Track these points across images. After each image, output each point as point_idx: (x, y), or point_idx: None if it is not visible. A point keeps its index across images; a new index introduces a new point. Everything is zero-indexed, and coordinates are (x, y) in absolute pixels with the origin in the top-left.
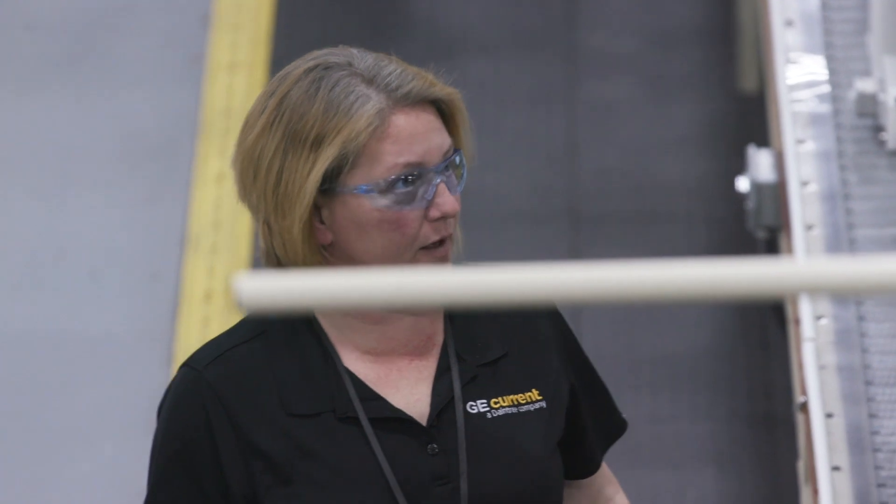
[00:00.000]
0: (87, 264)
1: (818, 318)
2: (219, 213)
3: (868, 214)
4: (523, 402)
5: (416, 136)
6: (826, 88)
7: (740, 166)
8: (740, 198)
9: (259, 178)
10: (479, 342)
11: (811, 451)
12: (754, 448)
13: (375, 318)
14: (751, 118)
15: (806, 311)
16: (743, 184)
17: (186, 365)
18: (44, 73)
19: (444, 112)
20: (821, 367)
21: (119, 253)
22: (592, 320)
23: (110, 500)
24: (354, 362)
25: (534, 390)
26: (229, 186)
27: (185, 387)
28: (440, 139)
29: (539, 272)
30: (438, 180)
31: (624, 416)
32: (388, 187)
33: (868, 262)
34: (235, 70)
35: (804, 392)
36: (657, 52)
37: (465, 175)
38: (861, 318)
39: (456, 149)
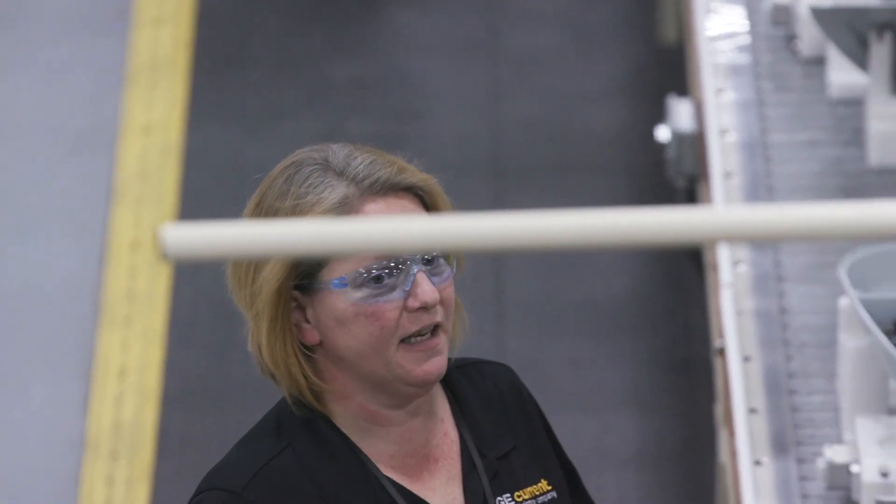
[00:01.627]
0: (13, 216)
1: (736, 264)
2: (145, 163)
3: (782, 120)
4: (538, 493)
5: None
6: (745, 39)
7: (660, 116)
8: (660, 147)
9: (239, 275)
10: (489, 436)
11: (728, 394)
12: (673, 392)
13: (384, 421)
14: (671, 68)
15: (724, 257)
16: (663, 133)
17: (218, 489)
18: None
19: (424, 199)
20: (738, 313)
21: (47, 204)
22: (515, 268)
23: (40, 447)
24: (385, 467)
25: (543, 481)
26: (155, 137)
27: None
28: None
29: (462, 220)
30: (416, 270)
31: (549, 365)
32: (363, 280)
33: (784, 209)
34: (161, 23)
35: (722, 336)
36: (579, 4)
37: (454, 265)
38: (778, 265)
39: None
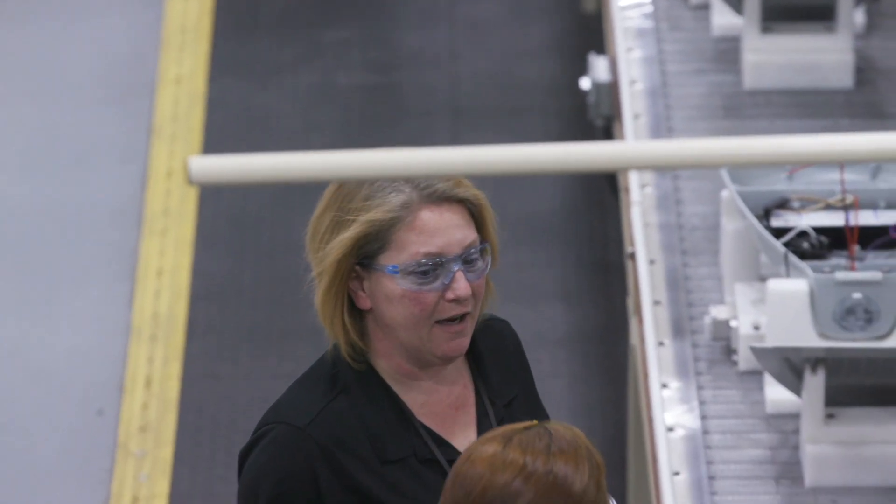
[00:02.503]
0: (73, 151)
1: (643, 186)
2: (177, 108)
3: (676, 54)
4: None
5: (438, 230)
6: (649, 8)
7: (583, 69)
8: (583, 94)
9: (314, 243)
10: (497, 386)
11: (637, 290)
12: (594, 288)
13: (418, 377)
14: (591, 32)
15: (633, 181)
16: (585, 83)
17: (285, 423)
18: (31, 2)
19: (472, 211)
20: (645, 225)
21: (99, 141)
22: None
23: (95, 332)
24: (419, 414)
25: (535, 422)
26: (185, 87)
27: (290, 443)
28: (462, 234)
29: (427, 153)
30: (456, 268)
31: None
32: (410, 271)
33: (681, 143)
34: None
35: (632, 244)
36: None
37: (489, 262)
38: (677, 190)
39: (483, 241)
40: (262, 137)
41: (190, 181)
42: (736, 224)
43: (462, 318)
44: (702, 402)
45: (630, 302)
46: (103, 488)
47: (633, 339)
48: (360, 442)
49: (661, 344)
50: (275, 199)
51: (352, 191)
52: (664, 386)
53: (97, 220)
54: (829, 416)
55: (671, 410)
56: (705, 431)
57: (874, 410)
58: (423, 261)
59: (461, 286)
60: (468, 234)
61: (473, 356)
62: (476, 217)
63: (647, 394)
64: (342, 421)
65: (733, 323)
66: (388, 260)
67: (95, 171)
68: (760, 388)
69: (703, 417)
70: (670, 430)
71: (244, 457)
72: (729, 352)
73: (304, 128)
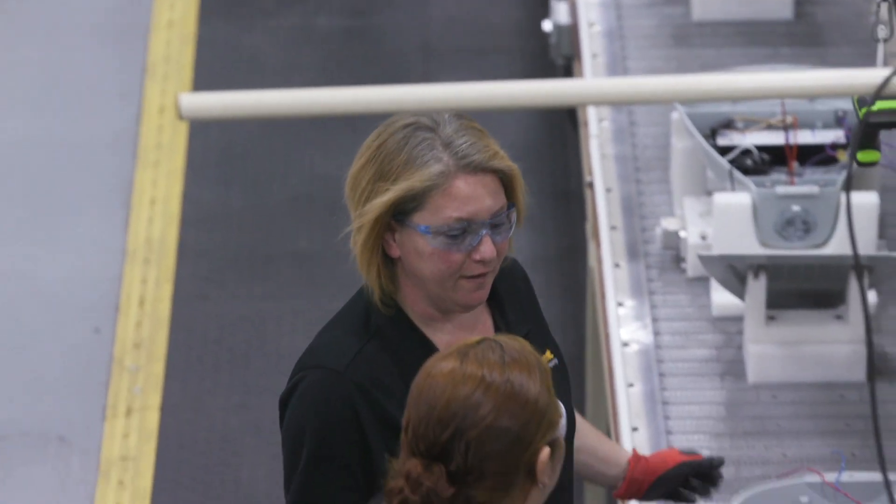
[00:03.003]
0: (72, 89)
1: (601, 120)
2: (169, 49)
3: None
4: (547, 363)
5: (471, 197)
6: None
7: (546, 12)
8: (545, 36)
9: (355, 195)
10: (513, 321)
11: (595, 216)
12: (557, 214)
13: (442, 319)
14: None
15: (592, 116)
16: (547, 25)
17: (323, 367)
18: None
19: (504, 180)
20: (602, 156)
21: (97, 80)
22: None
23: (94, 255)
24: None
25: (548, 352)
26: (176, 30)
27: (330, 385)
28: (492, 201)
29: (400, 90)
30: (484, 233)
31: None
32: (441, 233)
33: (634, 81)
34: None
35: (590, 174)
36: None
37: (514, 225)
38: (633, 123)
39: (510, 205)
40: (247, 76)
41: (180, 116)
42: (685, 143)
43: (482, 273)
44: (653, 307)
45: (588, 227)
46: (100, 400)
47: (592, 261)
48: (395, 380)
49: (616, 266)
50: (259, 133)
51: (392, 151)
52: (620, 304)
53: (95, 152)
54: (770, 318)
55: (626, 327)
56: (656, 333)
57: (811, 313)
58: (455, 224)
59: (487, 249)
60: (497, 201)
61: (491, 297)
62: (506, 184)
63: (603, 312)
64: (377, 362)
65: (682, 234)
66: (422, 220)
67: (94, 108)
68: (707, 293)
69: (655, 320)
70: (625, 345)
71: (284, 402)
72: (678, 260)
73: (286, 67)
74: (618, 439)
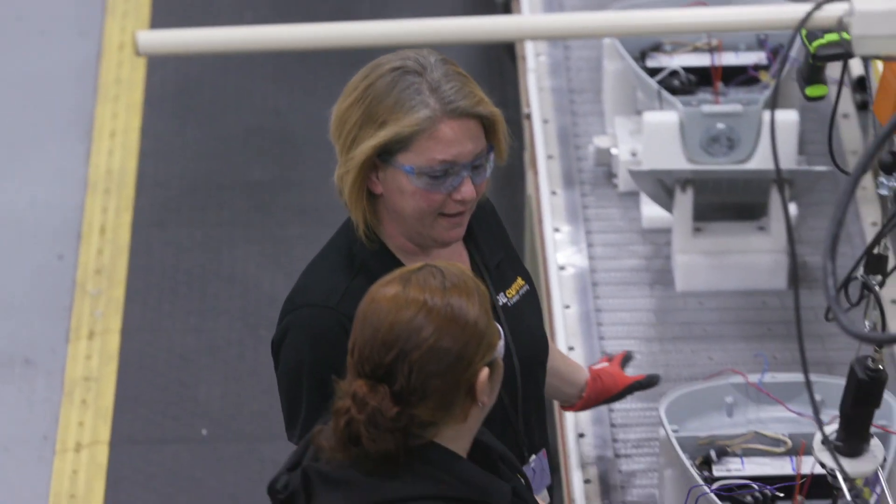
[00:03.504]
0: (33, 26)
1: (538, 55)
2: None
3: None
4: (518, 288)
5: (454, 141)
6: None
7: None
8: None
9: (342, 135)
10: (487, 251)
11: (533, 146)
12: None
13: (421, 252)
14: None
15: (529, 50)
16: None
17: (313, 305)
18: None
19: (486, 124)
20: (539, 89)
21: (57, 17)
22: None
23: (56, 185)
24: None
25: (519, 279)
26: None
27: (324, 321)
28: (474, 145)
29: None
30: (465, 174)
31: None
32: (425, 173)
33: (570, 17)
34: None
35: (528, 106)
36: None
37: (490, 168)
38: (568, 58)
39: (489, 148)
40: (203, 14)
41: (137, 53)
42: (616, 65)
43: (460, 212)
44: (586, 220)
45: (527, 156)
46: (63, 324)
47: (530, 189)
48: None
49: (553, 193)
50: (214, 68)
51: (380, 94)
52: (556, 230)
53: (57, 87)
54: (697, 230)
55: (562, 251)
56: (590, 244)
57: (735, 224)
58: (438, 166)
59: (467, 190)
60: (479, 145)
61: (467, 233)
62: (488, 128)
63: (541, 237)
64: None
65: (613, 151)
66: (406, 160)
67: (56, 45)
68: (637, 206)
69: (588, 232)
70: (562, 268)
71: (278, 344)
72: (610, 176)
73: (240, 5)
74: None
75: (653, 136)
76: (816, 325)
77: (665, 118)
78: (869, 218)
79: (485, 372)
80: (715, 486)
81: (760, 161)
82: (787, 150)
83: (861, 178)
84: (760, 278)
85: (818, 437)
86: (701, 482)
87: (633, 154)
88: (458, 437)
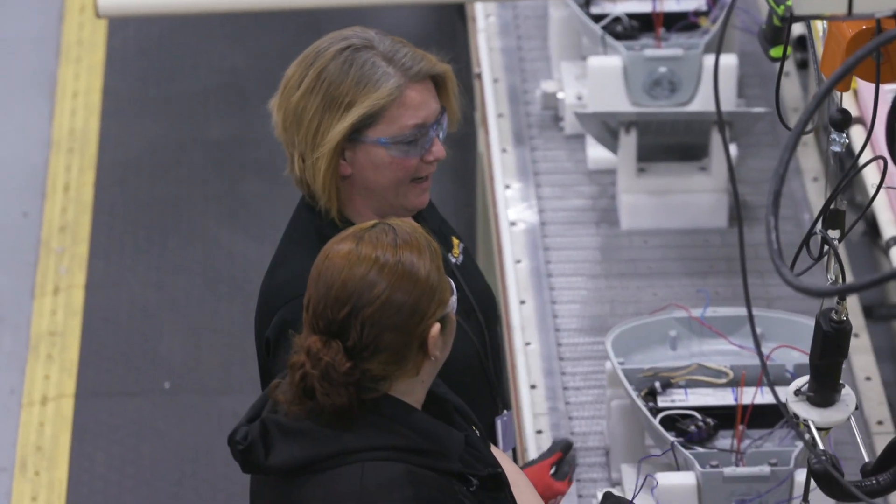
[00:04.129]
0: None
1: (487, 16)
2: None
3: None
4: (459, 245)
5: (422, 103)
6: None
7: None
8: None
9: (302, 127)
10: (429, 217)
11: (484, 105)
12: None
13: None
14: None
15: (479, 11)
16: None
17: (298, 297)
18: None
19: (437, 82)
20: (490, 49)
21: None
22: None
23: (20, 145)
24: None
25: (454, 238)
26: None
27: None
28: (436, 104)
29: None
30: (433, 134)
31: None
32: (399, 141)
33: None
34: None
35: (479, 66)
36: None
37: (445, 128)
38: (516, 17)
39: (443, 109)
40: None
41: (98, 15)
42: (561, 12)
43: (427, 176)
44: (534, 162)
45: (477, 115)
46: (29, 280)
47: (481, 147)
48: None
49: (503, 151)
50: (172, 29)
51: (337, 77)
52: (507, 187)
53: (21, 49)
54: (641, 171)
55: (513, 207)
56: (538, 185)
57: (677, 165)
58: (410, 132)
59: (438, 149)
60: (438, 103)
61: None
62: (439, 87)
63: (492, 194)
64: None
65: (560, 95)
66: (378, 133)
67: (19, 8)
68: (583, 148)
69: (536, 174)
70: (513, 224)
71: (275, 340)
72: (556, 119)
73: None
74: (507, 312)
75: (597, 80)
76: (757, 262)
77: (609, 63)
78: (810, 174)
79: (436, 327)
80: (659, 416)
81: (701, 104)
82: (726, 93)
83: (802, 134)
84: (702, 217)
85: (791, 388)
86: (646, 412)
87: (579, 98)
88: (411, 390)
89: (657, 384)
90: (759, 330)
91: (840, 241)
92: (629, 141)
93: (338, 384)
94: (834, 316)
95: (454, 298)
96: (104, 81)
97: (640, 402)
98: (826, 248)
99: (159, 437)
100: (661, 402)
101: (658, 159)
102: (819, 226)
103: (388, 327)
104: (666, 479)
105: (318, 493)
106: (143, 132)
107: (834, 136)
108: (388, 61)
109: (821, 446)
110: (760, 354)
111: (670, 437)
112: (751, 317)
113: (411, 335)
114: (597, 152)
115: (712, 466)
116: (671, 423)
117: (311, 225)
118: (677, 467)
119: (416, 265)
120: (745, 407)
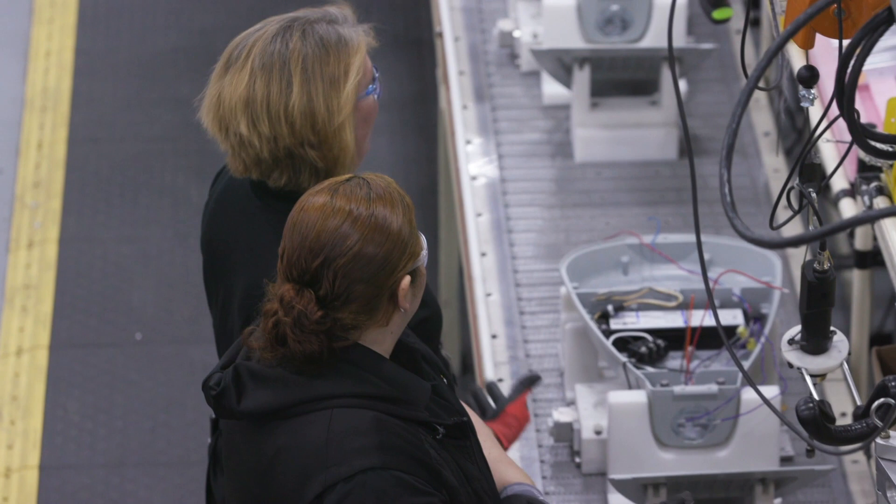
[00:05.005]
0: None
1: None
2: None
3: None
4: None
5: (364, 47)
6: None
7: None
8: None
9: (318, 121)
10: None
11: (445, 62)
12: (410, 61)
13: None
14: None
15: None
16: None
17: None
18: None
19: None
20: (451, 8)
21: None
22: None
23: None
24: None
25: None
26: None
27: None
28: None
29: None
30: (377, 73)
31: None
32: (375, 85)
33: None
34: None
35: (440, 25)
36: None
37: None
38: None
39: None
40: None
41: None
42: None
43: None
44: (491, 97)
45: (439, 73)
46: (3, 234)
47: (442, 103)
48: None
49: (464, 107)
50: None
51: (318, 55)
52: (468, 142)
53: None
54: (594, 105)
55: (474, 162)
56: (495, 120)
57: (629, 99)
58: (375, 72)
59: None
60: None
61: None
62: None
63: (454, 149)
64: None
65: (516, 33)
66: (364, 85)
67: None
68: (538, 84)
69: (493, 109)
70: (474, 178)
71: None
72: (513, 57)
73: None
74: (468, 264)
75: (552, 18)
76: (706, 192)
77: (562, 1)
78: (761, 128)
79: (406, 279)
80: (612, 337)
81: (652, 40)
82: (676, 30)
83: (754, 89)
84: (653, 150)
85: (785, 338)
86: (599, 334)
87: (535, 36)
88: (380, 340)
89: (610, 307)
90: (707, 256)
91: (818, 193)
92: (583, 77)
93: (309, 332)
94: (817, 266)
95: (425, 252)
96: (76, 41)
97: (593, 325)
98: (804, 200)
99: (131, 387)
100: (614, 324)
101: (611, 94)
102: (796, 179)
103: (359, 278)
104: (618, 397)
105: (287, 439)
106: (114, 91)
107: (803, 92)
108: (335, 23)
109: (815, 395)
110: (706, 280)
111: (622, 357)
112: (699, 242)
113: (382, 286)
114: (552, 88)
115: (662, 385)
116: (623, 344)
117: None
118: (629, 386)
119: (388, 219)
120: (693, 329)
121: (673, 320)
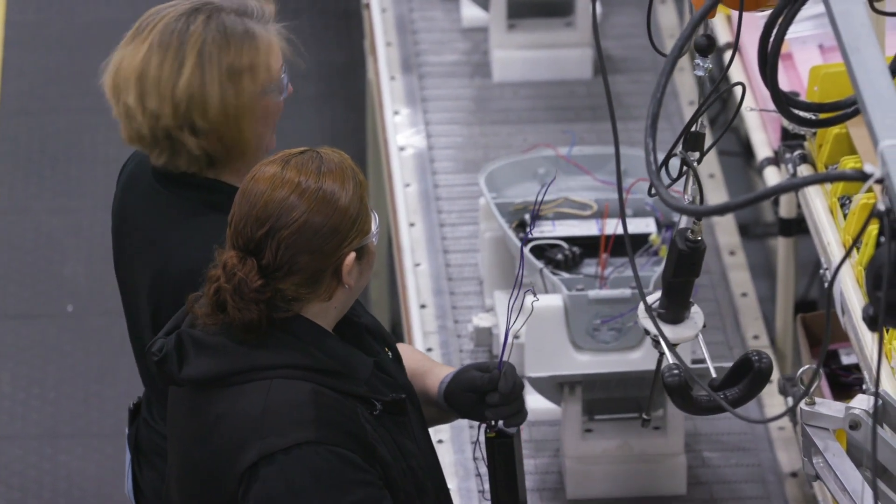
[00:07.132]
0: None
1: None
2: None
3: None
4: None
5: (276, 46)
6: None
7: None
8: None
9: (209, 110)
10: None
11: (372, 33)
12: (338, 32)
13: None
14: None
15: None
16: None
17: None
18: None
19: None
20: None
21: None
22: None
23: None
24: None
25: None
26: None
27: None
28: (278, 43)
29: None
30: (285, 72)
31: None
32: (282, 82)
33: None
34: None
35: None
36: None
37: None
38: None
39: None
40: None
41: None
42: None
43: None
44: (411, 22)
45: (366, 44)
46: None
47: (370, 74)
48: None
49: (392, 78)
50: None
51: (218, 42)
52: (396, 113)
53: None
54: (511, 27)
55: (402, 133)
56: (415, 43)
57: (546, 21)
58: (281, 74)
59: (289, 85)
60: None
61: None
62: None
63: (382, 120)
64: None
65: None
66: (268, 80)
67: None
68: (458, 9)
69: (414, 32)
70: (402, 149)
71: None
72: None
73: None
74: (397, 234)
75: None
76: (619, 110)
77: None
78: (686, 97)
79: (352, 256)
80: (529, 245)
81: None
82: None
83: (678, 59)
84: (568, 69)
85: (642, 306)
86: (517, 241)
87: None
88: (322, 314)
89: (527, 217)
90: (622, 167)
91: (699, 162)
92: None
93: (248, 300)
94: (689, 235)
95: (375, 231)
96: (6, 13)
97: (511, 233)
98: (685, 168)
99: (64, 359)
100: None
101: (528, 15)
102: (680, 147)
103: (303, 250)
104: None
105: (226, 406)
106: (45, 62)
107: (698, 60)
108: (258, 20)
109: (672, 360)
110: (620, 186)
111: (539, 263)
112: (617, 153)
113: (326, 261)
114: (470, 12)
115: (578, 290)
116: (540, 252)
117: (205, 198)
118: (546, 291)
119: (336, 193)
120: (607, 237)
121: (588, 228)
